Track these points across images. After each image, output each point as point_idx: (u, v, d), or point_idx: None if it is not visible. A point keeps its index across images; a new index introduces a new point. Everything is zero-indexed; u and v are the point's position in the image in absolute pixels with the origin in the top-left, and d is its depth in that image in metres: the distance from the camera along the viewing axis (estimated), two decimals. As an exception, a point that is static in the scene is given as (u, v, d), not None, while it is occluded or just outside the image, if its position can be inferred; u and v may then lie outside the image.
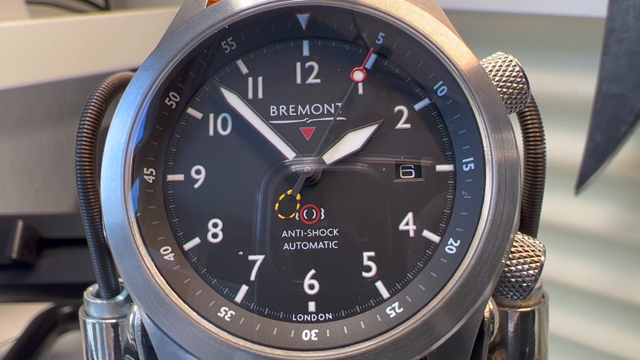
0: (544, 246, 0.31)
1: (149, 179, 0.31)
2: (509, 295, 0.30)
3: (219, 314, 0.30)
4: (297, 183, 0.31)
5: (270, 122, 0.32)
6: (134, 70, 0.32)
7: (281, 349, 0.29)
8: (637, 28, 0.48)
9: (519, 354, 0.35)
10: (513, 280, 0.30)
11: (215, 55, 0.32)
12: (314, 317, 0.30)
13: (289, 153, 0.31)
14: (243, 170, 0.32)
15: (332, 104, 0.32)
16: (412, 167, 0.31)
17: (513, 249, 0.30)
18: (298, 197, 0.31)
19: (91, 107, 0.33)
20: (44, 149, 0.89)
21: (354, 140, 0.31)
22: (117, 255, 0.30)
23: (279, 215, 0.31)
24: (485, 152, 0.30)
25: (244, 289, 0.31)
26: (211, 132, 0.32)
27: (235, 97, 0.32)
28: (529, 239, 0.30)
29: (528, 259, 0.30)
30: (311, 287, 0.31)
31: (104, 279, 0.34)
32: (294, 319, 0.30)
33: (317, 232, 0.31)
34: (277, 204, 0.31)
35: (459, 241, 0.30)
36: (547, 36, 0.63)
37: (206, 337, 0.29)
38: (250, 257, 0.31)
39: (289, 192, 0.31)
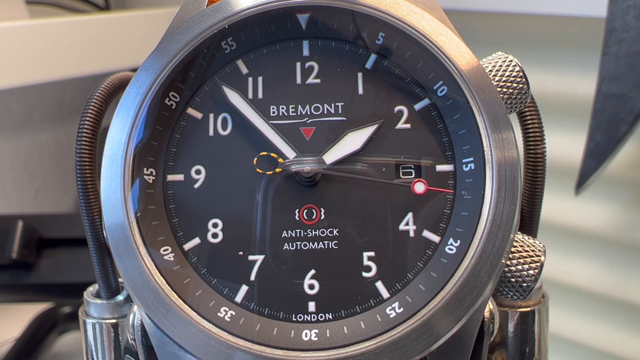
0: (544, 246, 0.31)
1: (149, 179, 0.31)
2: (509, 295, 0.30)
3: (219, 314, 0.30)
4: (294, 163, 0.31)
5: (271, 122, 0.32)
6: (134, 70, 0.32)
7: (281, 349, 0.29)
8: (637, 28, 0.48)
9: (519, 354, 0.35)
10: (513, 280, 0.30)
11: (215, 55, 0.32)
12: (314, 317, 0.30)
13: (289, 153, 0.31)
14: (243, 170, 0.32)
15: (332, 104, 0.32)
16: (412, 167, 0.31)
17: (513, 249, 0.30)
18: (280, 160, 0.31)
19: (91, 107, 0.33)
20: (44, 149, 0.89)
21: (354, 140, 0.31)
22: (117, 255, 0.30)
23: (257, 170, 0.31)
24: (485, 152, 0.30)
25: (244, 289, 0.31)
26: (211, 132, 0.32)
27: (237, 96, 0.32)
28: (529, 239, 0.30)
29: (528, 259, 0.30)
30: (311, 287, 0.31)
31: (104, 279, 0.34)
32: (294, 319, 0.30)
33: (317, 232, 0.31)
34: (255, 158, 0.31)
35: (459, 241, 0.30)
36: (547, 36, 0.63)
37: (206, 337, 0.29)
38: (250, 257, 0.31)
39: (280, 160, 0.31)
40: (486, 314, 0.30)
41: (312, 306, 0.30)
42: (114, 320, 0.34)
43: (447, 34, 0.31)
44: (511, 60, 0.32)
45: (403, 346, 0.28)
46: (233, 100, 0.32)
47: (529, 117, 0.34)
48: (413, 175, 0.31)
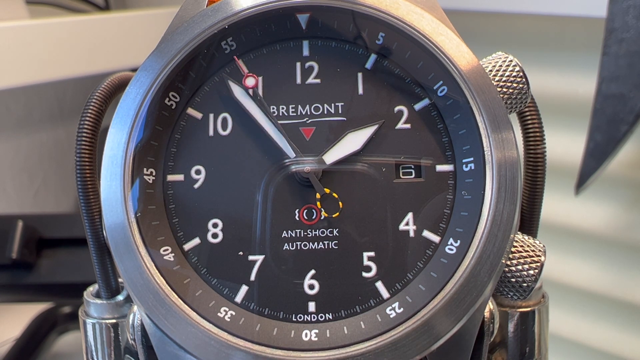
0: (544, 246, 0.31)
1: (149, 179, 0.31)
2: (509, 295, 0.30)
3: (219, 314, 0.30)
4: (315, 184, 0.31)
5: (272, 121, 0.32)
6: (134, 70, 0.32)
7: (281, 349, 0.29)
8: (637, 28, 0.48)
9: (519, 354, 0.35)
10: (513, 280, 0.30)
11: (215, 55, 0.32)
12: (314, 317, 0.30)
13: (290, 152, 0.31)
14: (243, 170, 0.32)
15: (332, 104, 0.32)
16: (412, 167, 0.31)
17: (513, 249, 0.30)
18: (327, 190, 0.31)
19: (91, 107, 0.33)
20: (44, 149, 0.89)
21: (354, 141, 0.31)
22: (117, 255, 0.30)
23: (304, 221, 0.31)
24: (486, 152, 0.30)
25: (244, 289, 0.31)
26: (211, 132, 0.32)
27: (242, 91, 0.32)
28: (529, 239, 0.30)
29: (528, 259, 0.30)
30: (311, 287, 0.31)
31: (104, 279, 0.34)
32: (294, 319, 0.30)
33: (317, 232, 0.31)
34: (299, 211, 0.31)
35: (459, 241, 0.30)
36: (547, 36, 0.63)
37: (206, 337, 0.29)
38: (250, 257, 0.31)
39: (318, 195, 0.31)
40: (486, 314, 0.30)
41: (312, 306, 0.30)
42: (114, 320, 0.34)
43: (447, 34, 0.31)
44: (511, 60, 0.32)
45: (403, 346, 0.28)
46: (238, 96, 0.32)
47: (529, 117, 0.34)
48: (413, 175, 0.31)
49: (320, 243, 0.31)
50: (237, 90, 0.32)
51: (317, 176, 0.31)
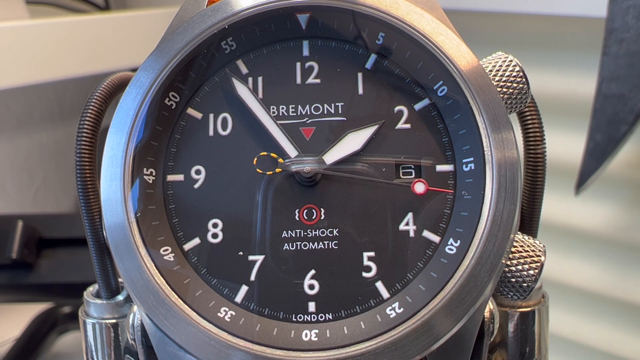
0: (544, 246, 0.31)
1: (149, 179, 0.31)
2: (509, 295, 0.30)
3: (219, 314, 0.30)
4: (294, 163, 0.31)
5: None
6: (134, 70, 0.32)
7: (281, 349, 0.29)
8: (637, 28, 0.48)
9: (519, 354, 0.35)
10: (513, 280, 0.30)
11: (215, 55, 0.32)
12: (314, 317, 0.30)
13: (291, 151, 0.31)
14: (243, 170, 0.32)
15: (332, 104, 0.32)
16: (412, 167, 0.31)
17: (513, 249, 0.30)
18: (280, 160, 0.31)
19: (91, 107, 0.33)
20: (44, 149, 0.89)
21: (354, 141, 0.31)
22: (117, 256, 0.30)
23: (257, 170, 0.31)
24: (486, 152, 0.30)
25: (244, 289, 0.31)
26: (211, 132, 0.32)
27: (245, 89, 0.32)
28: (529, 239, 0.30)
29: (528, 259, 0.30)
30: (311, 287, 0.31)
31: (104, 279, 0.34)
32: (294, 319, 0.30)
33: (317, 232, 0.31)
34: (255, 158, 0.31)
35: (459, 241, 0.30)
36: (547, 36, 0.63)
37: (206, 337, 0.29)
38: (250, 257, 0.31)
39: (280, 160, 0.31)
40: (486, 314, 0.30)
41: (312, 306, 0.30)
42: (114, 320, 0.34)
43: (447, 34, 0.31)
44: (511, 60, 0.32)
45: (403, 346, 0.28)
46: (241, 94, 0.32)
47: (529, 117, 0.34)
48: (413, 175, 0.31)
49: (320, 243, 0.31)
50: (240, 88, 0.32)
51: (317, 176, 0.31)
